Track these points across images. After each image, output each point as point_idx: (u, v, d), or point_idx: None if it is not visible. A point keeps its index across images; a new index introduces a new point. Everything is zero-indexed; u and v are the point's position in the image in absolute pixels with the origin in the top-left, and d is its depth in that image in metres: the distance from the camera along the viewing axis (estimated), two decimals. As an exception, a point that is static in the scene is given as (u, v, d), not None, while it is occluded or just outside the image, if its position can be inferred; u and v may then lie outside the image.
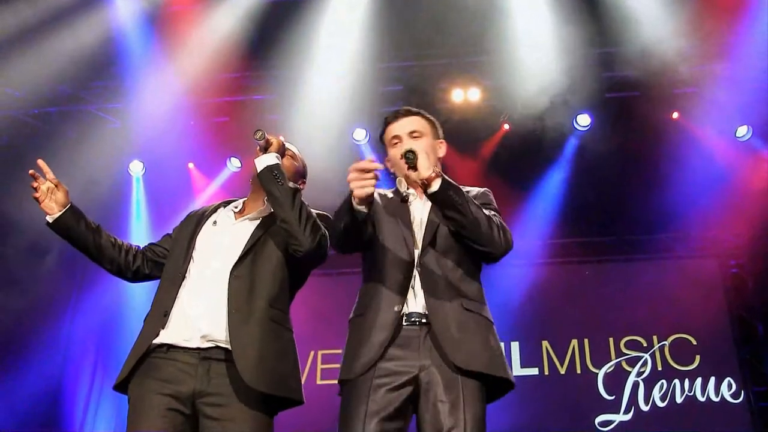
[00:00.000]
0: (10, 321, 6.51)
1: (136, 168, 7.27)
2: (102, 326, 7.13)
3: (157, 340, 2.34)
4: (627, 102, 6.65)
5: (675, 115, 6.73)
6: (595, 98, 6.56)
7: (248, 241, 2.48)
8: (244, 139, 6.39)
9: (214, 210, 2.67)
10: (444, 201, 2.24)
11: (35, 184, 2.53)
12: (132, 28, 6.34)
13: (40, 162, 2.57)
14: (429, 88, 6.62)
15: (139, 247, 2.71)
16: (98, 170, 6.80)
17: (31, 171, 2.54)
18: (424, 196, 2.35)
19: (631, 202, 6.87)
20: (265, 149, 2.46)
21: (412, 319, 2.27)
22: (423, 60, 6.58)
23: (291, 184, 2.42)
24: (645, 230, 7.11)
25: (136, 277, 2.67)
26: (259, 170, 2.43)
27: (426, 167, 2.20)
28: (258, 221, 2.56)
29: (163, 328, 2.36)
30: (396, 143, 2.50)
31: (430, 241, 2.37)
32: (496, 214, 2.41)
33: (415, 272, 2.32)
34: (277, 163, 2.43)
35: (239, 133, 6.70)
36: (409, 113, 2.55)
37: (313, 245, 2.37)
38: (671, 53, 6.21)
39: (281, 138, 2.57)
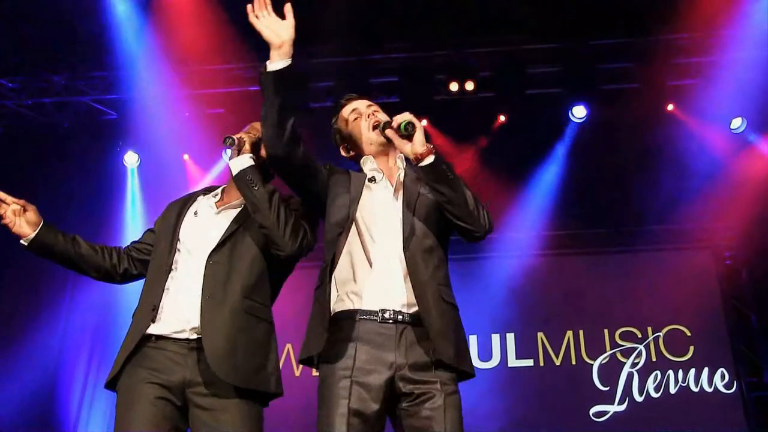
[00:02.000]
0: (4, 320, 6.48)
1: (131, 159, 7.21)
2: (96, 324, 7.05)
3: (146, 332, 2.32)
4: (622, 93, 6.66)
5: (670, 106, 6.74)
6: (590, 90, 6.58)
7: (227, 228, 2.43)
8: (239, 131, 6.39)
9: (194, 199, 2.61)
10: (437, 174, 2.24)
11: (0, 211, 2.44)
12: (128, 18, 6.31)
13: None
14: (425, 78, 6.61)
15: (121, 248, 2.65)
16: (93, 161, 6.78)
17: None
18: (387, 182, 2.38)
19: (626, 194, 6.89)
20: (239, 151, 2.40)
21: (399, 317, 2.20)
22: (419, 51, 6.57)
23: (269, 187, 2.35)
24: (639, 222, 7.11)
25: (125, 278, 2.62)
26: (233, 174, 2.38)
27: (422, 142, 2.23)
28: (240, 209, 2.49)
29: (153, 322, 2.33)
30: (356, 118, 2.52)
31: (411, 227, 2.30)
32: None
33: (401, 260, 2.25)
34: (251, 165, 2.36)
35: (235, 125, 6.67)
36: (360, 97, 2.62)
37: (294, 248, 2.32)
38: (667, 45, 6.23)
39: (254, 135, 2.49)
